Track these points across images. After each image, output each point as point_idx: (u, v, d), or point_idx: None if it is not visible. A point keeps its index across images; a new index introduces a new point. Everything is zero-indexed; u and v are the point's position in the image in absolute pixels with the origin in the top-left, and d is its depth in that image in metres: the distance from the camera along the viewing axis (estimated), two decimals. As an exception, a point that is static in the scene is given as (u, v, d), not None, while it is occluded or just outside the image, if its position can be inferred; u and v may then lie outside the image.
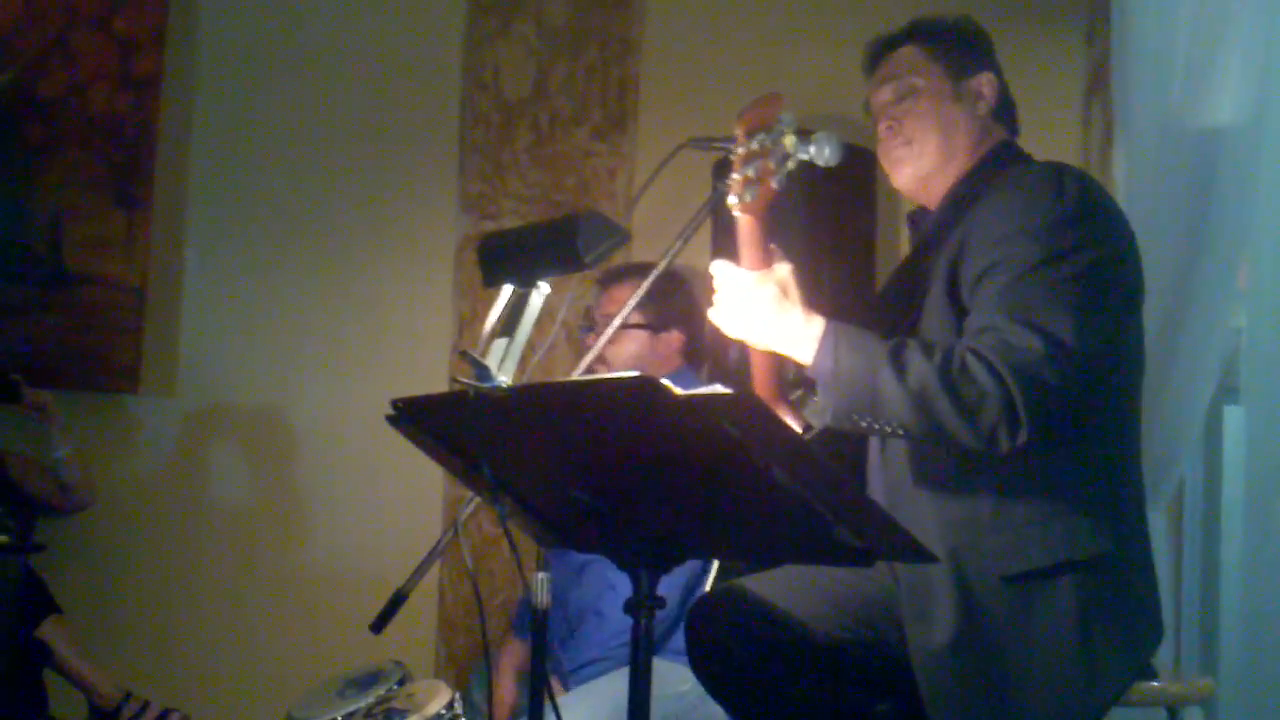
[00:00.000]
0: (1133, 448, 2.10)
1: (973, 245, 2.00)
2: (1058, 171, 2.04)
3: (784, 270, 1.99)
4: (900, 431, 1.91)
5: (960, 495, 2.01)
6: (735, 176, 1.97)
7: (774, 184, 1.96)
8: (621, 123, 3.55)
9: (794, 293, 1.98)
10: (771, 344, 1.98)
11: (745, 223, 1.99)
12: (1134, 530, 2.06)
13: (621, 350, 2.90)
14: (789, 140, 1.96)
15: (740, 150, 1.97)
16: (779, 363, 2.06)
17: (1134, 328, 2.08)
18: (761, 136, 1.96)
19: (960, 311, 2.00)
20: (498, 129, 3.55)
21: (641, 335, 2.91)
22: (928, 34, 2.20)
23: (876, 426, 1.91)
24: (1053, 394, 1.87)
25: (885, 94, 2.20)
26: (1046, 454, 1.97)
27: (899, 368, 1.88)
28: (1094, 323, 1.92)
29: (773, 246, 1.99)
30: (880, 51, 2.23)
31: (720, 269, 1.99)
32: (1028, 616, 1.95)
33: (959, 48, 2.18)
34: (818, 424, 1.98)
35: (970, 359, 1.87)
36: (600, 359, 2.84)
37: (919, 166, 2.18)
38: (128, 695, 2.88)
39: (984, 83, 2.18)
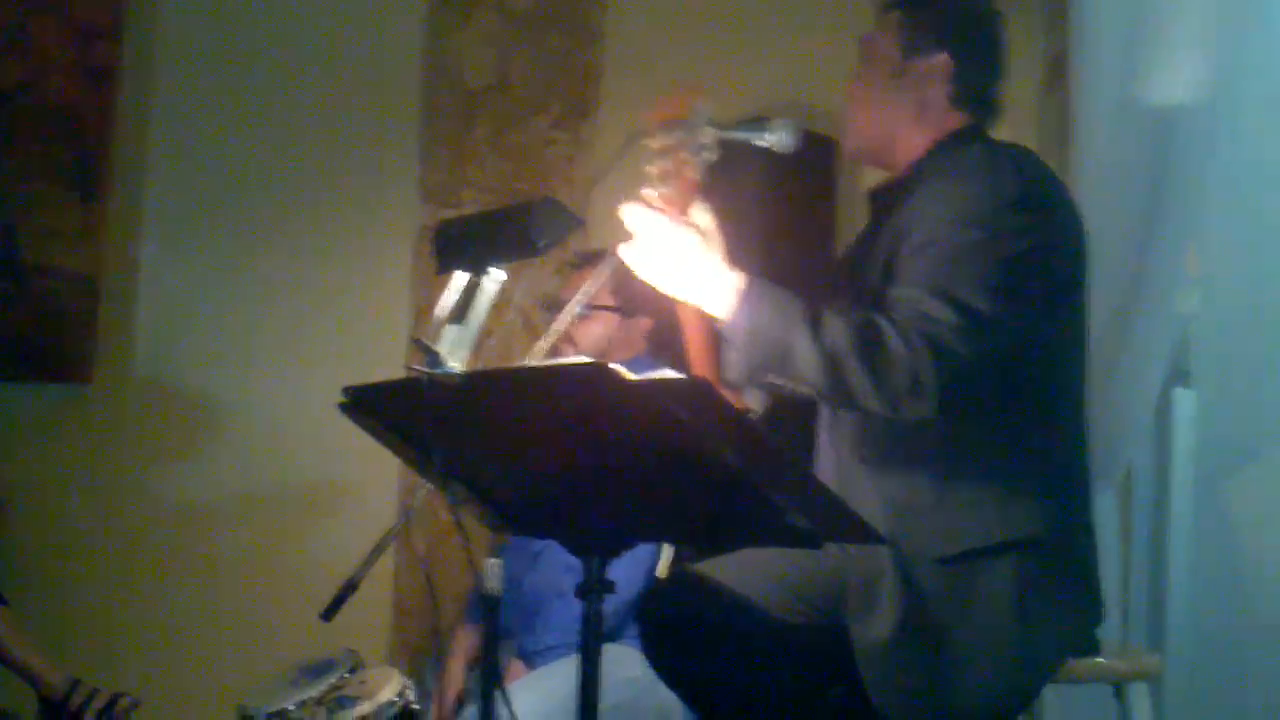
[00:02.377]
0: (1073, 430, 2.12)
1: (911, 228, 2.02)
2: (999, 155, 2.06)
3: (704, 217, 1.99)
4: (808, 390, 1.93)
5: (898, 479, 2.04)
6: (650, 169, 1.99)
7: (692, 174, 1.98)
8: (583, 112, 3.55)
9: (714, 241, 1.98)
10: (686, 292, 1.98)
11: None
12: (1074, 511, 2.08)
13: (591, 331, 2.90)
14: (706, 132, 1.98)
15: (655, 143, 1.99)
16: (717, 344, 2.06)
17: (1071, 312, 2.09)
18: (675, 129, 1.97)
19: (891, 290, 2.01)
20: (458, 118, 3.54)
21: (612, 318, 2.91)
22: (911, 1, 2.18)
23: (785, 383, 1.93)
24: (961, 367, 1.89)
25: (862, 47, 2.22)
26: (982, 437, 2.00)
27: (814, 327, 1.90)
28: (1016, 305, 1.94)
29: (694, 191, 2.00)
30: (882, 4, 2.22)
31: (633, 211, 1.98)
32: (965, 597, 1.98)
33: (925, 23, 2.16)
34: (729, 378, 1.99)
35: (884, 325, 1.90)
36: (569, 340, 2.87)
37: (857, 141, 2.21)
38: (75, 683, 2.87)
39: (936, 64, 2.15)
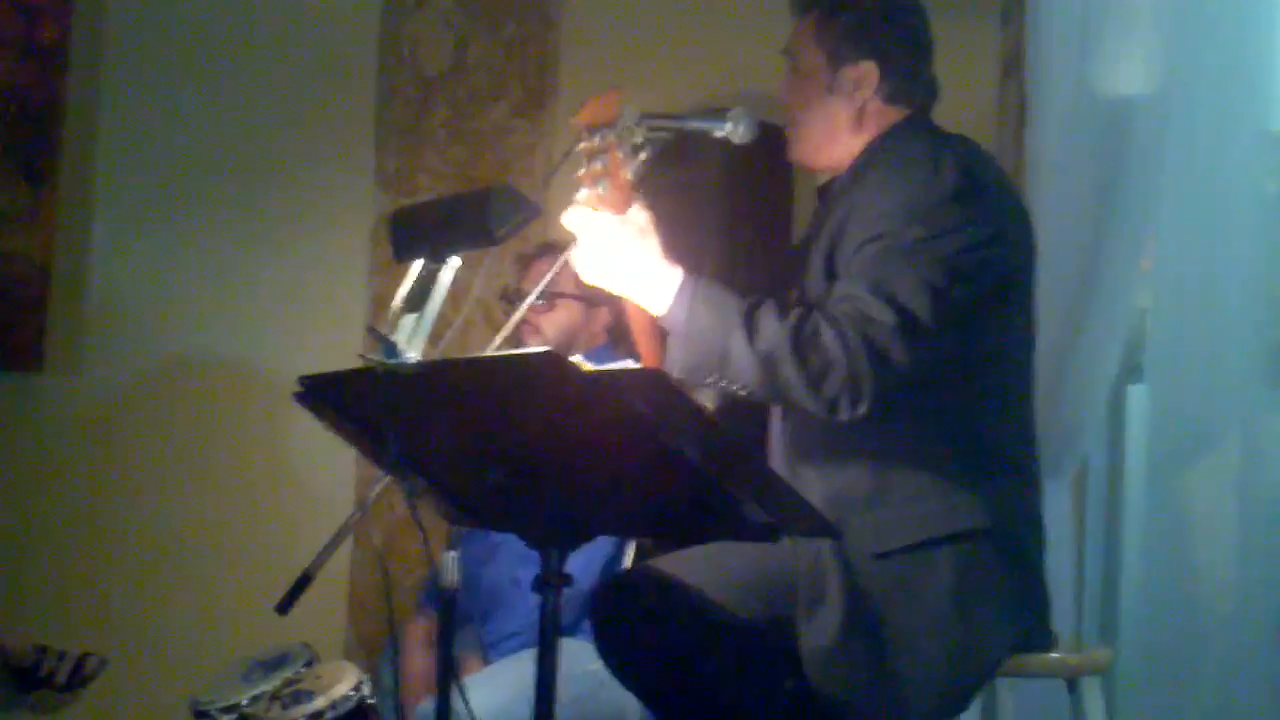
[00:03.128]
0: (1019, 423, 2.13)
1: (852, 222, 2.03)
2: (937, 149, 2.06)
3: (640, 215, 1.99)
4: (744, 391, 1.93)
5: (838, 475, 2.05)
6: (580, 173, 1.99)
7: (627, 175, 1.98)
8: (541, 99, 3.52)
9: (651, 238, 1.98)
10: (627, 289, 1.99)
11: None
12: (1017, 504, 2.09)
13: (555, 320, 2.90)
14: (636, 132, 1.98)
15: (581, 146, 1.99)
16: (664, 337, 2.06)
17: (1016, 306, 2.10)
18: (604, 131, 1.97)
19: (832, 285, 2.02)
20: (415, 104, 3.51)
21: (576, 308, 2.91)
22: (824, 8, 2.18)
23: (723, 384, 1.93)
24: (898, 370, 1.90)
25: (787, 61, 2.22)
26: (924, 432, 2.02)
27: (750, 328, 1.90)
28: (956, 304, 1.94)
29: (635, 194, 1.99)
30: (795, 8, 2.22)
31: (574, 216, 1.98)
32: (906, 592, 1.99)
33: (845, 31, 2.15)
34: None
35: (823, 326, 1.90)
36: (533, 329, 2.86)
37: (801, 152, 2.22)
38: (42, 649, 2.85)
39: (863, 72, 2.14)
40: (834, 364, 1.88)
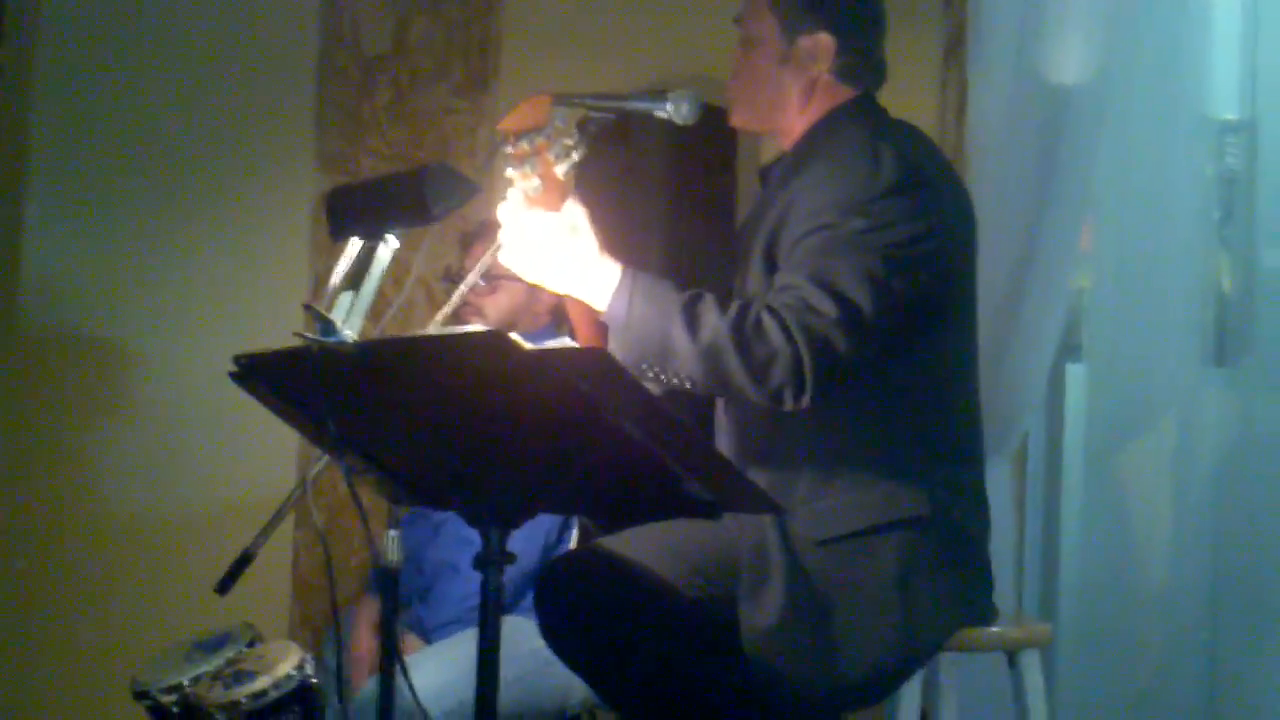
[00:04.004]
0: (959, 409, 2.15)
1: (792, 214, 2.03)
2: (876, 141, 2.05)
3: (575, 210, 1.99)
4: (687, 384, 1.94)
5: (784, 464, 2.05)
6: (510, 173, 1.99)
7: (560, 176, 1.99)
8: (483, 80, 3.50)
9: (586, 233, 1.98)
10: (565, 286, 1.99)
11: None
12: (961, 488, 2.10)
13: (498, 302, 2.88)
14: (568, 132, 1.98)
15: (509, 150, 1.99)
16: (603, 328, 2.06)
17: (958, 295, 2.11)
18: (532, 135, 1.98)
19: (773, 278, 2.02)
20: (356, 85, 3.48)
21: (518, 288, 2.89)
22: None
23: (664, 377, 1.94)
24: (841, 360, 1.91)
25: (739, 26, 2.21)
26: (867, 420, 2.03)
27: (691, 320, 1.90)
28: (898, 294, 1.95)
29: (569, 191, 2.00)
30: None
31: (505, 211, 1.98)
32: (848, 578, 2.00)
33: (800, 2, 2.15)
34: None
35: (765, 317, 1.90)
36: (475, 310, 2.85)
37: (746, 118, 2.22)
38: None
39: (818, 43, 2.13)
40: (777, 354, 1.88)
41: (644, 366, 1.93)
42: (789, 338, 1.88)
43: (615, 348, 1.94)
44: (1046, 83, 2.85)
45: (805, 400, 1.90)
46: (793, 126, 2.17)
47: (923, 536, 2.03)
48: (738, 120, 2.23)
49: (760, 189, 2.29)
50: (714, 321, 1.90)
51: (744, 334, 1.89)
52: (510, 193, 1.99)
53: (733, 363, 1.88)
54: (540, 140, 1.98)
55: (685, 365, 1.91)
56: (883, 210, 1.97)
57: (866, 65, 2.18)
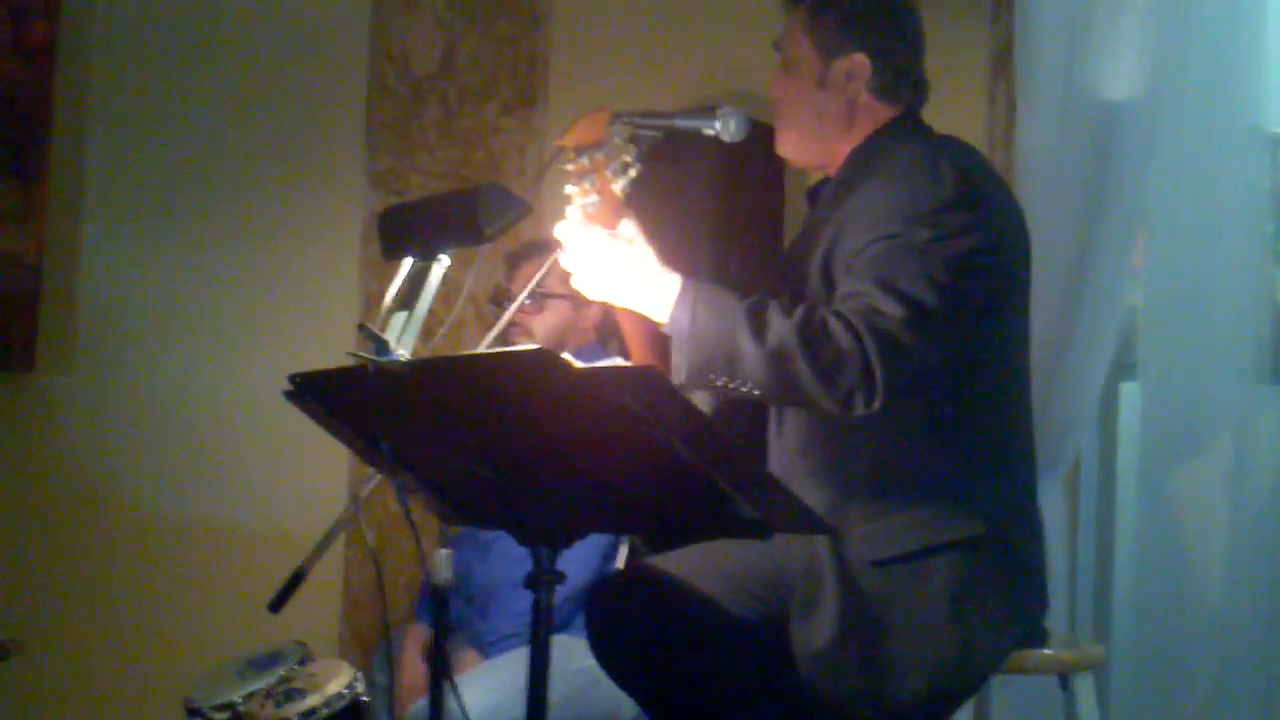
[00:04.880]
0: (1018, 427, 2.13)
1: (849, 229, 2.02)
2: (934, 154, 2.04)
3: (628, 226, 1.98)
4: (756, 391, 1.90)
5: (837, 483, 2.04)
6: (569, 190, 1.99)
7: (617, 192, 1.99)
8: (531, 98, 3.52)
9: (645, 248, 1.97)
10: (627, 301, 1.98)
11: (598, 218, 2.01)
12: (1016, 508, 2.09)
13: (544, 321, 2.90)
14: (626, 149, 1.99)
15: (570, 167, 1.99)
16: (659, 342, 2.05)
17: (1014, 311, 2.09)
18: (591, 151, 1.98)
19: (833, 293, 2.01)
20: (406, 103, 3.51)
21: (564, 307, 2.90)
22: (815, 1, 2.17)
23: (731, 385, 1.90)
24: (911, 359, 1.88)
25: (777, 54, 2.21)
26: (924, 439, 2.01)
27: (757, 326, 1.88)
28: (962, 299, 1.94)
29: (625, 209, 2.00)
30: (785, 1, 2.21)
31: (564, 231, 1.98)
32: (902, 599, 1.98)
33: (835, 24, 2.15)
34: (674, 381, 1.95)
35: (831, 320, 1.88)
36: (523, 329, 2.86)
37: (793, 148, 2.21)
38: None
39: (856, 65, 2.13)
40: (846, 356, 1.85)
41: (711, 376, 1.89)
42: (857, 340, 1.85)
43: (680, 358, 1.92)
44: (1095, 98, 2.83)
45: (877, 404, 1.86)
46: (838, 150, 2.17)
47: (978, 557, 2.01)
48: (783, 150, 2.22)
49: (808, 209, 2.28)
50: (780, 326, 1.87)
51: (810, 337, 1.86)
52: (568, 210, 1.99)
53: (801, 367, 1.85)
54: (599, 157, 1.99)
55: (753, 371, 1.87)
56: (946, 221, 1.96)
57: (906, 83, 2.17)
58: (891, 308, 1.89)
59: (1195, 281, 2.86)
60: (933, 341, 1.91)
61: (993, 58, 3.25)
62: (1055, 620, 2.24)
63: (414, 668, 2.83)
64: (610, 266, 1.96)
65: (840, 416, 1.90)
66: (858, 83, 2.14)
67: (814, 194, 2.26)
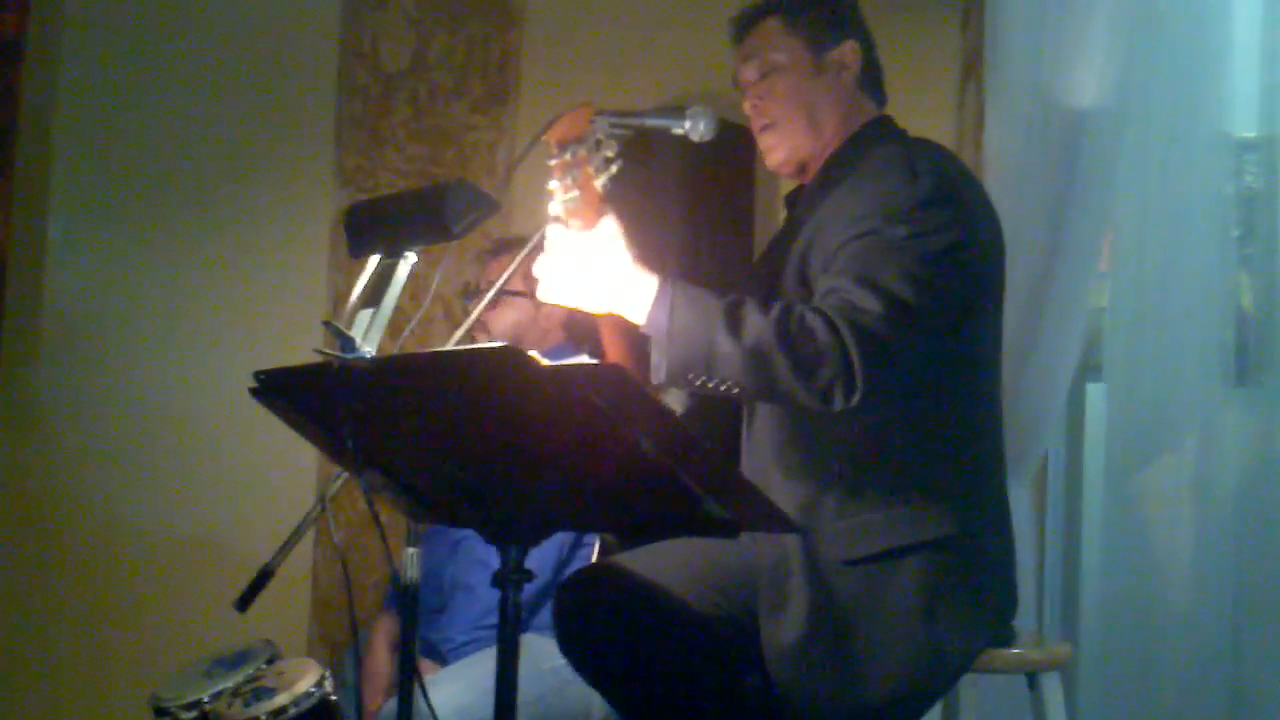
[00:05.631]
0: (986, 427, 2.13)
1: (827, 229, 2.02)
2: (910, 154, 2.06)
3: (610, 222, 1.97)
4: (736, 389, 1.90)
5: (808, 481, 2.04)
6: (552, 185, 1.98)
7: (597, 188, 1.98)
8: (502, 96, 3.52)
9: (623, 249, 1.97)
10: (604, 303, 1.97)
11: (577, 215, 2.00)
12: (986, 508, 2.09)
13: (503, 317, 2.88)
14: (608, 144, 1.98)
15: (553, 162, 1.98)
16: (636, 343, 2.05)
17: (989, 309, 2.10)
18: (574, 146, 1.97)
19: (810, 293, 2.01)
20: (376, 101, 3.50)
21: (524, 304, 2.89)
22: (789, 5, 2.19)
23: (711, 384, 1.90)
24: (890, 354, 1.88)
25: (749, 72, 2.21)
26: (895, 439, 2.01)
27: (735, 323, 1.87)
28: (939, 295, 1.94)
29: (605, 206, 1.99)
30: (744, 25, 2.22)
31: (551, 237, 1.98)
32: (873, 598, 1.99)
33: (820, 17, 2.18)
34: (654, 381, 1.96)
35: (810, 316, 1.88)
36: (482, 326, 2.85)
37: (789, 149, 2.19)
38: None
39: (847, 52, 2.18)
40: (824, 351, 1.85)
41: (690, 375, 1.89)
42: (836, 335, 1.85)
43: (659, 358, 1.92)
44: (1063, 102, 2.84)
45: (856, 398, 1.86)
46: (825, 148, 2.17)
47: (949, 557, 2.01)
48: (774, 155, 2.21)
49: (787, 213, 2.29)
50: (758, 323, 1.87)
51: (789, 333, 1.86)
52: (550, 205, 1.99)
53: (779, 363, 1.85)
54: (582, 152, 1.98)
55: (732, 369, 1.87)
56: (923, 218, 1.97)
57: (881, 77, 2.23)
58: (870, 303, 1.89)
59: (1161, 284, 2.88)
60: (911, 337, 1.91)
61: (963, 63, 3.27)
62: (1023, 620, 2.25)
63: (380, 658, 2.81)
64: (588, 270, 1.95)
65: (820, 411, 1.91)
66: (850, 71, 2.18)
67: (792, 200, 2.27)
